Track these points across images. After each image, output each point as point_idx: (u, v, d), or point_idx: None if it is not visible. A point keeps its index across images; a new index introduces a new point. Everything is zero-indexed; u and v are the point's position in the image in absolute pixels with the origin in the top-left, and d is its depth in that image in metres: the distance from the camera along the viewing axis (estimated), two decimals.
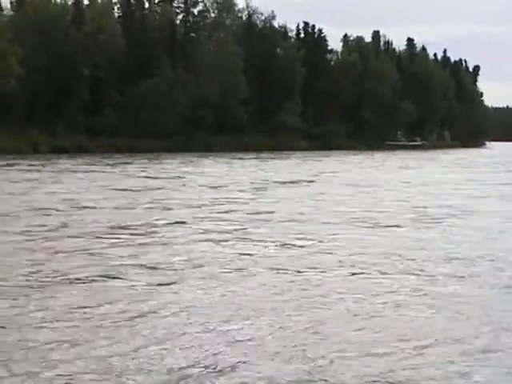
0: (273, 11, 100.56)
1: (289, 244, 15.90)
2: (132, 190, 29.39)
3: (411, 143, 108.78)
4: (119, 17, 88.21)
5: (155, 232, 17.86)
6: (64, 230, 17.98)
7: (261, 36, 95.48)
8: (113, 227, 18.48)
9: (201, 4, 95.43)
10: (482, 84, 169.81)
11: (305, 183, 35.82)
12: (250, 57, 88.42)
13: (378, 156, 73.55)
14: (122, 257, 14.05)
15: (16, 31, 70.47)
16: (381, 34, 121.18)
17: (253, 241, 16.32)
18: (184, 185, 32.91)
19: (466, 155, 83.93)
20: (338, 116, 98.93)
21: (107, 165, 49.80)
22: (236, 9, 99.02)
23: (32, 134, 66.98)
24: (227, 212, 22.10)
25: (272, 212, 22.13)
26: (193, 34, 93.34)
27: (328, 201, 26.12)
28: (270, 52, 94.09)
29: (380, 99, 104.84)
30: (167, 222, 19.67)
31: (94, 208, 22.92)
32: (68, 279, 12.00)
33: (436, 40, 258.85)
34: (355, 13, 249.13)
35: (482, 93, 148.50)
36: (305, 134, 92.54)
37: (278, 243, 15.99)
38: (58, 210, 22.01)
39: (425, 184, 35.64)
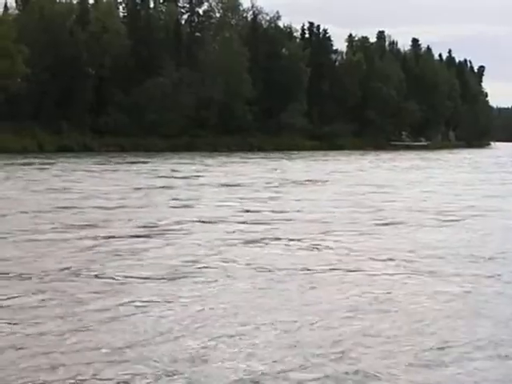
0: (278, 11, 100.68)
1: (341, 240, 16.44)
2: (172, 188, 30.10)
3: (416, 143, 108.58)
4: (124, 16, 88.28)
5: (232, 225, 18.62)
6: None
7: (266, 36, 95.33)
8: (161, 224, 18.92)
9: (206, 4, 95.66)
10: (486, 84, 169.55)
11: (327, 183, 35.89)
12: (254, 57, 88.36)
13: (386, 156, 73.31)
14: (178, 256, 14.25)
15: (21, 31, 70.50)
16: (386, 34, 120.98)
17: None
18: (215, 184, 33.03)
19: (472, 155, 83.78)
20: (342, 116, 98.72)
21: (129, 163, 50.98)
22: (241, 9, 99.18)
23: (38, 133, 66.97)
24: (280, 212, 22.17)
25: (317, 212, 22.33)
26: (198, 34, 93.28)
27: (363, 200, 26.36)
28: (275, 52, 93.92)
29: (385, 99, 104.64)
30: (225, 219, 20.23)
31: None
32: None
33: (441, 40, 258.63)
34: (360, 13, 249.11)
35: (486, 93, 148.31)
36: (309, 134, 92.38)
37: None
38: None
39: (441, 184, 35.74)
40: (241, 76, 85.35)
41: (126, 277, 12.09)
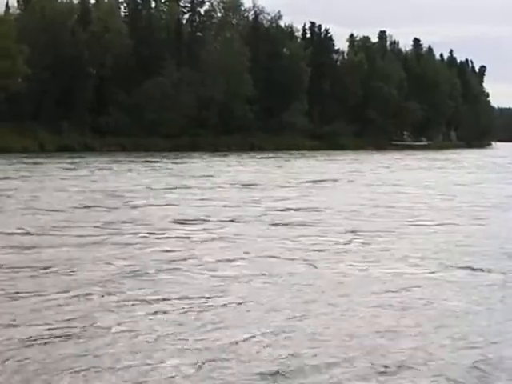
0: (279, 11, 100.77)
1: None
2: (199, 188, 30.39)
3: (417, 143, 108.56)
4: (125, 16, 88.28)
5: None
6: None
7: (267, 36, 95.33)
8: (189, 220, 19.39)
9: (207, 3, 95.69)
10: (488, 85, 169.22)
11: (340, 182, 35.97)
12: (255, 56, 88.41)
13: (393, 156, 73.22)
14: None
15: (22, 30, 70.51)
16: (387, 34, 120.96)
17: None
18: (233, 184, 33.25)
19: (474, 155, 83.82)
20: (343, 116, 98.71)
21: (143, 162, 51.23)
22: (242, 8, 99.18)
23: (38, 132, 67.00)
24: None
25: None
26: (199, 34, 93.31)
27: (382, 198, 26.88)
28: (276, 52, 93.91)
29: (386, 99, 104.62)
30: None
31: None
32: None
33: (443, 40, 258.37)
34: (361, 13, 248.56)
35: (488, 93, 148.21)
36: (310, 134, 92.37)
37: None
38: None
39: (457, 183, 36.11)
40: (241, 76, 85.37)
41: None
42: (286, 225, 19.07)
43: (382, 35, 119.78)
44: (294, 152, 75.66)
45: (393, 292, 11.26)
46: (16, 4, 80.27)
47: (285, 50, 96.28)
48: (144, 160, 53.31)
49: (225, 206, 23.24)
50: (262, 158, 63.27)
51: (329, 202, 25.16)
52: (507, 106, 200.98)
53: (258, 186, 32.02)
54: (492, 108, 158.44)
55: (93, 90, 76.28)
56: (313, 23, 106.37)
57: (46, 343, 8.54)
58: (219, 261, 13.60)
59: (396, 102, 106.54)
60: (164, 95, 78.93)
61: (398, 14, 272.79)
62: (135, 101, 77.87)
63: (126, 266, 12.97)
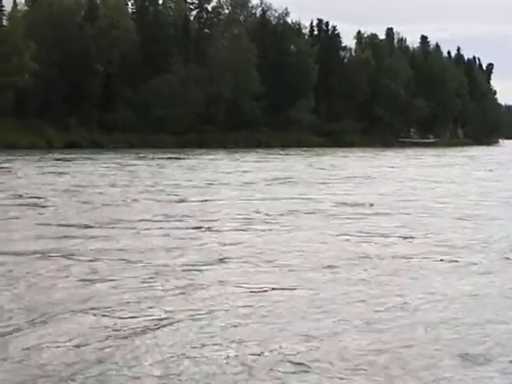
0: (286, 8, 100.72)
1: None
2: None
3: (424, 140, 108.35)
4: (133, 12, 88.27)
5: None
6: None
7: (274, 33, 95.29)
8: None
9: (215, 0, 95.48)
10: (495, 82, 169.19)
11: (381, 178, 36.12)
12: (263, 53, 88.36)
13: (404, 153, 72.91)
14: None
15: (30, 27, 70.56)
16: (394, 31, 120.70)
17: None
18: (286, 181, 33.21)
19: (488, 152, 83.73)
20: (351, 113, 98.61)
21: (167, 158, 51.49)
22: (250, 5, 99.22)
23: (46, 129, 67.04)
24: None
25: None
26: (206, 30, 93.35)
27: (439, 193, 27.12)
28: (284, 49, 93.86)
29: (393, 96, 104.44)
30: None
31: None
32: None
33: (450, 38, 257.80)
34: (369, 10, 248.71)
35: (495, 91, 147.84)
36: (317, 131, 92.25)
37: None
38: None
39: (482, 179, 36.21)
40: (249, 72, 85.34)
41: None
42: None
43: (390, 32, 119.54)
44: (305, 149, 75.57)
45: None
46: (23, 0, 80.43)
47: (292, 46, 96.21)
48: (167, 157, 53.57)
49: (299, 202, 23.40)
50: (281, 154, 63.25)
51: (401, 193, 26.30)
52: None
53: (302, 182, 32.29)
54: (499, 105, 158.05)
55: (100, 87, 76.31)
56: (320, 20, 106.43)
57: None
58: None
59: (403, 99, 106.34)
60: (171, 92, 78.94)
61: (405, 12, 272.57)
62: (142, 97, 77.89)
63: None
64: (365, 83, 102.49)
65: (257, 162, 50.81)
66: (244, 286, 10.77)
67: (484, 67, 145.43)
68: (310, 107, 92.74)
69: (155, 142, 72.60)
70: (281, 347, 7.91)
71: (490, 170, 45.68)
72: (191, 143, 74.52)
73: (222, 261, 12.73)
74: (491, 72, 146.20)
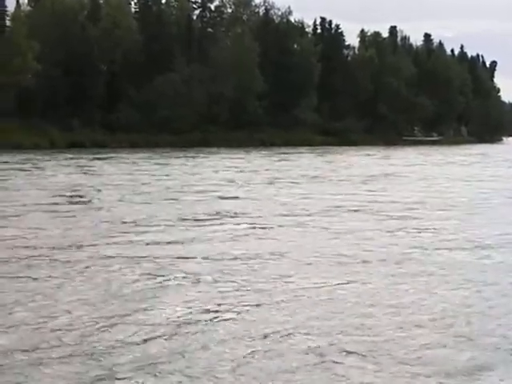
0: (289, 6, 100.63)
1: None
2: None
3: (428, 138, 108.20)
4: (136, 12, 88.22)
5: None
6: None
7: (277, 31, 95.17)
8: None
9: None
10: (499, 80, 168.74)
11: (403, 177, 36.44)
12: (266, 52, 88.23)
13: (413, 151, 73.10)
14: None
15: (33, 26, 70.58)
16: (398, 29, 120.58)
17: None
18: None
19: (492, 150, 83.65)
20: (354, 111, 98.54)
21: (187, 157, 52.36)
22: (253, 4, 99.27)
23: (49, 129, 67.03)
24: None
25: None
26: (209, 30, 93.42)
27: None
28: (287, 47, 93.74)
29: (397, 94, 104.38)
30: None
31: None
32: None
33: (453, 36, 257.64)
34: (372, 8, 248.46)
35: (498, 88, 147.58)
36: (321, 130, 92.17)
37: None
38: None
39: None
40: (252, 72, 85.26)
41: None
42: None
43: (393, 31, 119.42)
44: (310, 147, 75.60)
45: None
46: (26, 0, 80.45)
47: (295, 45, 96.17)
48: (183, 156, 54.49)
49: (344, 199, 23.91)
50: (292, 153, 63.34)
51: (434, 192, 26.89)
52: None
53: (328, 180, 32.87)
54: (503, 103, 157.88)
55: (103, 86, 76.28)
56: (323, 19, 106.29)
57: None
58: None
59: (406, 98, 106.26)
60: (174, 91, 78.90)
61: (408, 10, 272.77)
62: (145, 97, 77.87)
63: None
64: (368, 81, 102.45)
65: (279, 160, 51.50)
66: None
67: (487, 65, 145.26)
68: (313, 106, 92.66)
69: (158, 141, 72.56)
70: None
71: (510, 167, 46.35)
72: (194, 143, 74.40)
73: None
74: (495, 69, 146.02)
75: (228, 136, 79.49)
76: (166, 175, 34.83)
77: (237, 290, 10.65)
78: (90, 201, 23.41)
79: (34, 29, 70.41)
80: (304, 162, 49.42)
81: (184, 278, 11.47)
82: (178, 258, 13.12)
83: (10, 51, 67.32)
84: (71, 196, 24.48)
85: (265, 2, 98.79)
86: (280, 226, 17.38)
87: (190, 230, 16.59)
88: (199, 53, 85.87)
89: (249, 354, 7.90)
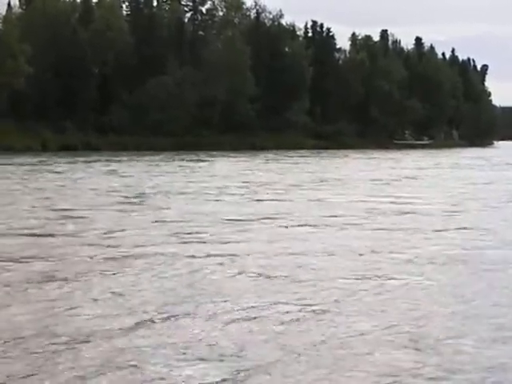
0: (281, 10, 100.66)
1: None
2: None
3: (419, 142, 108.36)
4: (127, 14, 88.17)
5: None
6: None
7: (269, 35, 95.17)
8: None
9: (209, 2, 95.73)
10: (490, 83, 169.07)
11: (424, 180, 36.92)
12: (257, 55, 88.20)
13: (413, 154, 73.80)
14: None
15: (25, 29, 70.43)
16: (389, 32, 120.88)
17: None
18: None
19: (488, 154, 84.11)
20: (345, 115, 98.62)
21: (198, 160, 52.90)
22: (244, 7, 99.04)
23: (41, 131, 66.90)
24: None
25: None
26: (201, 33, 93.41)
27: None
28: (278, 51, 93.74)
29: (388, 98, 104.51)
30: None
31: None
32: None
33: (446, 40, 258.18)
34: (364, 12, 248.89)
35: (489, 92, 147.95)
36: (312, 133, 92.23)
37: None
38: None
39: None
40: (243, 75, 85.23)
41: None
42: None
43: (384, 34, 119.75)
44: (303, 151, 75.83)
45: None
46: (18, 3, 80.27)
47: (287, 48, 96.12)
48: (189, 159, 54.87)
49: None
50: (291, 157, 63.77)
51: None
52: (509, 105, 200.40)
53: (353, 183, 33.36)
54: (494, 107, 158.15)
55: (95, 89, 76.15)
56: (315, 22, 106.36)
57: None
58: None
59: (398, 101, 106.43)
60: (166, 94, 78.84)
61: (399, 13, 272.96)
62: (138, 99, 77.82)
63: None
64: (359, 85, 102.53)
65: (289, 164, 52.26)
66: None
67: (478, 68, 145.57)
68: (305, 109, 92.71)
69: (151, 144, 72.37)
70: None
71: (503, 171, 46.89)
72: (186, 146, 74.29)
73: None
74: (486, 73, 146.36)
75: (220, 139, 79.42)
76: (189, 176, 36.00)
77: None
78: (147, 201, 24.07)
79: (26, 31, 70.23)
80: (309, 166, 49.55)
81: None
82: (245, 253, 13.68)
83: (2, 53, 67.15)
84: (135, 197, 25.26)
85: (256, 5, 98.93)
86: (357, 223, 18.07)
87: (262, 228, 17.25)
88: (191, 56, 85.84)
89: None
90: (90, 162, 48.81)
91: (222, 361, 7.49)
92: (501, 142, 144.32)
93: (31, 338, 8.12)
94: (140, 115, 76.51)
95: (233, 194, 26.45)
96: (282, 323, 8.91)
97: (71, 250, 13.84)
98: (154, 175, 37.16)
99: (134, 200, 24.31)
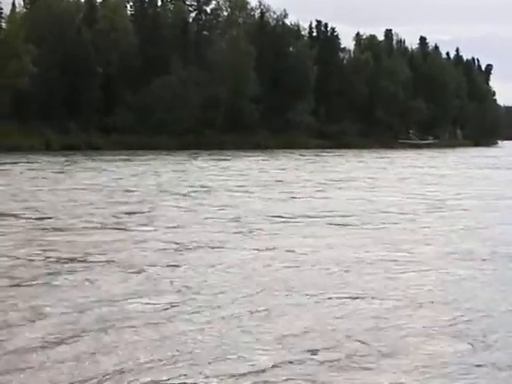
0: (285, 9, 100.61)
1: None
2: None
3: (424, 141, 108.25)
4: (132, 14, 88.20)
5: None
6: None
7: (273, 34, 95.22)
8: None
9: (214, 2, 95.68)
10: (494, 83, 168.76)
11: (453, 178, 37.21)
12: (262, 55, 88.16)
13: (422, 154, 73.84)
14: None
15: (29, 29, 70.39)
16: (393, 32, 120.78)
17: None
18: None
19: (497, 153, 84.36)
20: (350, 114, 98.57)
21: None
22: (248, 7, 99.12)
23: (45, 131, 66.96)
24: None
25: None
26: (205, 33, 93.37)
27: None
28: (283, 50, 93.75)
29: (392, 98, 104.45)
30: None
31: None
32: None
33: (450, 39, 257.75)
34: (368, 11, 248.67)
35: (494, 92, 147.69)
36: (317, 133, 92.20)
37: None
38: None
39: None
40: (248, 74, 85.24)
41: None
42: None
43: (389, 34, 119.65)
44: (309, 151, 75.98)
45: None
46: (22, 2, 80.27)
47: (291, 48, 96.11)
48: (210, 158, 55.36)
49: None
50: (305, 156, 64.07)
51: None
52: None
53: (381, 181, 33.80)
54: (498, 106, 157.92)
55: (99, 89, 76.18)
56: (319, 22, 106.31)
57: None
58: None
59: (402, 101, 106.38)
60: (171, 94, 78.87)
61: (404, 13, 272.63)
62: (142, 100, 77.86)
63: None
64: (364, 85, 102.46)
65: (313, 162, 52.89)
66: None
67: (483, 68, 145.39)
68: (309, 109, 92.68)
69: (154, 144, 72.47)
70: None
71: None
72: (190, 145, 74.41)
73: None
74: (490, 73, 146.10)
75: (223, 139, 79.49)
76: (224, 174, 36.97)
77: None
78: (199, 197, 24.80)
79: (30, 31, 70.24)
80: (330, 166, 49.72)
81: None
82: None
83: (7, 54, 67.20)
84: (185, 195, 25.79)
85: (260, 4, 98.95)
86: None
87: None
88: (195, 56, 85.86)
89: None
90: (112, 161, 49.32)
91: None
92: (505, 142, 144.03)
93: None
94: (144, 115, 76.57)
95: (281, 192, 27.05)
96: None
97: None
98: (187, 173, 38.17)
99: (191, 196, 25.27)
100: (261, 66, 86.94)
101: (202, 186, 29.01)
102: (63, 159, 50.02)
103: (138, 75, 78.86)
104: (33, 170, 39.33)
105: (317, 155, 65.88)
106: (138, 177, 34.70)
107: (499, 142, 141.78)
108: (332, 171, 42.31)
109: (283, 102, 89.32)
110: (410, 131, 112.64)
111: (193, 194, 25.76)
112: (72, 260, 12.77)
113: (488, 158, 68.58)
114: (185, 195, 25.46)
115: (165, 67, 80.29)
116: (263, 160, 54.84)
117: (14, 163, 43.97)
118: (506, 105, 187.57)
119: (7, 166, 41.30)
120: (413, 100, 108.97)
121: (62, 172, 38.11)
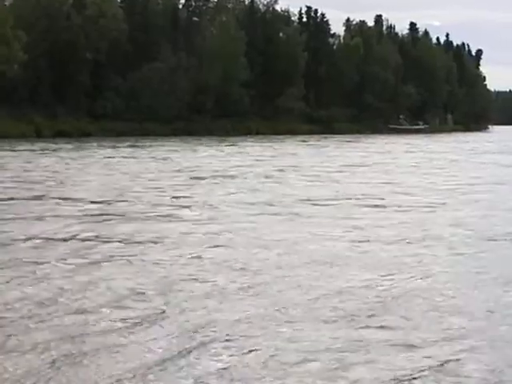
0: None
1: None
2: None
3: (414, 127, 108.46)
4: (121, 1, 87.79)
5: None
6: None
7: (263, 20, 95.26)
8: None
9: None
10: (485, 68, 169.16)
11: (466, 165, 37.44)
12: (252, 41, 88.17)
13: (415, 140, 73.89)
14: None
15: (18, 16, 70.14)
16: (383, 18, 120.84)
17: None
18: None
19: (492, 138, 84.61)
20: (340, 100, 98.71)
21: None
22: None
23: (35, 118, 66.86)
24: None
25: None
26: (195, 18, 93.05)
27: None
28: (273, 36, 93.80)
29: (382, 83, 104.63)
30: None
31: None
32: None
33: (441, 25, 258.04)
34: None
35: (484, 77, 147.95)
36: (307, 119, 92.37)
37: None
38: None
39: None
40: (238, 60, 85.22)
41: None
42: None
43: (379, 19, 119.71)
44: (302, 136, 75.92)
45: None
46: None
47: (281, 34, 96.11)
48: (226, 144, 56.15)
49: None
50: (300, 141, 64.49)
51: None
52: (504, 89, 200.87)
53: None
54: (489, 91, 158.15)
55: (89, 75, 76.06)
56: (309, 7, 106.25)
57: None
58: None
59: (392, 86, 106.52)
60: (160, 80, 78.86)
61: None
62: (131, 86, 77.81)
63: None
64: (354, 70, 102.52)
65: (318, 148, 53.55)
66: None
67: (473, 53, 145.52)
68: (300, 95, 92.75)
69: (144, 130, 72.63)
70: None
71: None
72: (180, 131, 74.55)
73: None
74: (480, 58, 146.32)
75: (214, 125, 79.57)
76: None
77: None
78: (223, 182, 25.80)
79: (19, 18, 70.01)
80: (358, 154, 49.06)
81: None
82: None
83: None
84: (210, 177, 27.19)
85: None
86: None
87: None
88: (185, 42, 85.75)
89: None
90: (121, 147, 49.77)
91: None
92: (496, 127, 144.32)
93: None
94: (133, 101, 76.57)
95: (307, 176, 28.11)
96: None
97: None
98: (203, 157, 39.34)
99: (218, 179, 26.45)
100: (251, 51, 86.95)
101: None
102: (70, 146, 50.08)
103: (127, 61, 78.76)
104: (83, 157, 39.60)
105: (318, 141, 66.01)
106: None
107: (490, 126, 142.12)
108: (354, 157, 42.63)
109: (273, 87, 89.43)
110: (401, 116, 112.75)
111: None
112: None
113: (486, 143, 68.70)
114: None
115: (154, 53, 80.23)
116: (269, 146, 54.81)
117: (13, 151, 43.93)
118: (497, 89, 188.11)
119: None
120: (403, 85, 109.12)
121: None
